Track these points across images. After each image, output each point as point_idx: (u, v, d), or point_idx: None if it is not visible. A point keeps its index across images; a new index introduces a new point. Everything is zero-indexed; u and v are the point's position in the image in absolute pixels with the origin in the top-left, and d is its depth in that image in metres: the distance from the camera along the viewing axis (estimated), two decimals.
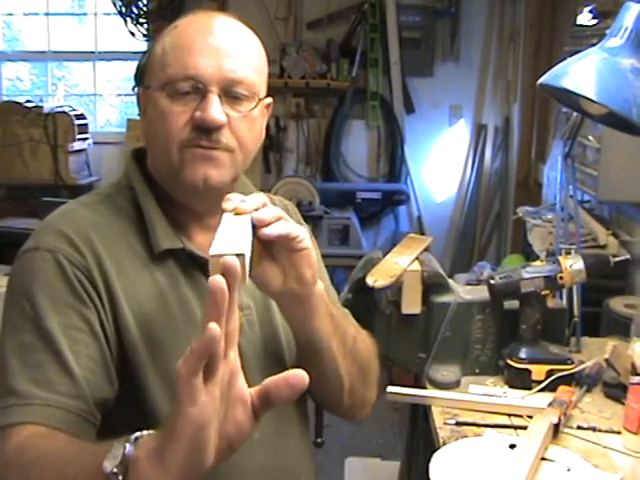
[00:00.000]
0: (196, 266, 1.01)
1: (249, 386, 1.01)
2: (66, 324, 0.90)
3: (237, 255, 0.68)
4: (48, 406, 0.85)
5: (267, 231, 0.86)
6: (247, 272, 0.69)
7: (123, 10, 4.41)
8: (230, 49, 0.97)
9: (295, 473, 1.06)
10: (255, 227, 0.85)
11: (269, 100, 1.05)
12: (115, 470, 0.68)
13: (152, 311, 0.96)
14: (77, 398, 0.87)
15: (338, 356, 1.03)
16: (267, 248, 0.89)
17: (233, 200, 0.86)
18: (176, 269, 1.00)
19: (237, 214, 0.85)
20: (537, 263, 1.62)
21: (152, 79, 0.99)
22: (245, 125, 0.99)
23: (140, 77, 4.34)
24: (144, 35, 4.48)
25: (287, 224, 0.88)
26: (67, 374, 0.88)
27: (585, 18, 2.80)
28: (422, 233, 4.27)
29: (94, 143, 4.59)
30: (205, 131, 0.95)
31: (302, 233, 0.89)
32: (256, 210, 0.86)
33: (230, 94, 0.97)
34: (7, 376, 0.88)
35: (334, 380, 1.05)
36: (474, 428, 1.40)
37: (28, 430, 0.83)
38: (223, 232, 0.78)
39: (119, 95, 5.07)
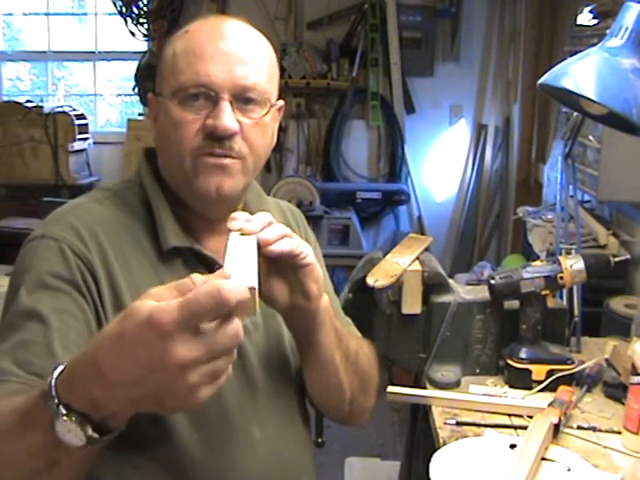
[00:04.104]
0: (204, 267, 1.01)
1: (253, 386, 1.01)
2: (60, 308, 0.90)
3: (249, 288, 0.67)
4: (25, 385, 0.84)
5: (271, 248, 0.86)
6: (257, 303, 0.68)
7: (123, 10, 4.40)
8: (242, 55, 0.96)
9: (296, 472, 1.06)
10: (260, 245, 0.85)
11: (281, 103, 1.05)
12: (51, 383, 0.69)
13: None
14: None
15: (341, 369, 1.03)
16: (273, 264, 0.89)
17: (239, 219, 0.86)
18: (183, 270, 0.99)
19: (243, 234, 0.85)
20: (537, 263, 1.62)
21: (163, 85, 0.99)
22: (257, 132, 0.99)
23: (140, 77, 4.35)
24: (144, 35, 4.47)
25: (291, 241, 0.88)
26: (49, 357, 0.86)
27: (585, 18, 2.80)
28: (422, 233, 4.27)
29: (94, 143, 4.59)
30: (217, 139, 0.95)
31: (306, 249, 0.90)
32: (262, 230, 0.86)
33: (242, 101, 0.96)
34: None
35: (336, 391, 1.06)
36: (474, 428, 1.40)
37: None
38: (231, 256, 0.78)
39: (119, 95, 5.07)
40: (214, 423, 0.96)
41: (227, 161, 0.97)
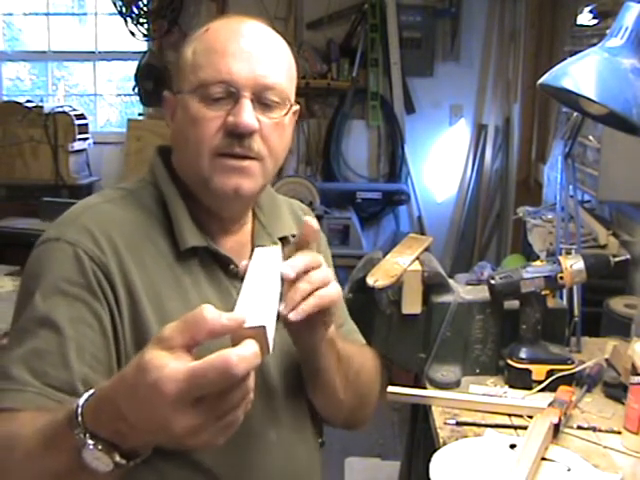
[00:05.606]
0: (218, 266, 1.01)
1: (270, 389, 1.01)
2: (75, 317, 0.89)
3: (260, 327, 0.66)
4: (41, 395, 0.84)
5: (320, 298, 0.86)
6: (270, 342, 0.66)
7: (123, 10, 4.41)
8: (263, 54, 0.96)
9: (309, 475, 1.07)
10: (283, 279, 0.83)
11: (297, 107, 1.04)
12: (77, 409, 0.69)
13: (175, 310, 0.94)
14: (70, 394, 0.85)
15: (339, 389, 1.04)
16: None
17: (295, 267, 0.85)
18: (198, 268, 0.99)
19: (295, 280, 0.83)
20: (537, 263, 1.62)
21: (182, 83, 0.98)
22: (276, 133, 0.98)
23: (140, 77, 4.35)
24: (144, 35, 4.48)
25: (330, 295, 0.87)
26: (65, 368, 0.86)
27: (585, 18, 2.80)
28: (422, 233, 4.27)
29: (94, 143, 4.59)
30: (237, 137, 0.94)
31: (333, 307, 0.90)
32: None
33: (262, 100, 0.96)
34: (8, 360, 0.87)
35: (333, 405, 1.07)
36: (474, 428, 1.40)
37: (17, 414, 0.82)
38: (249, 291, 0.75)
39: (119, 95, 5.07)
40: None
41: (246, 163, 0.96)
